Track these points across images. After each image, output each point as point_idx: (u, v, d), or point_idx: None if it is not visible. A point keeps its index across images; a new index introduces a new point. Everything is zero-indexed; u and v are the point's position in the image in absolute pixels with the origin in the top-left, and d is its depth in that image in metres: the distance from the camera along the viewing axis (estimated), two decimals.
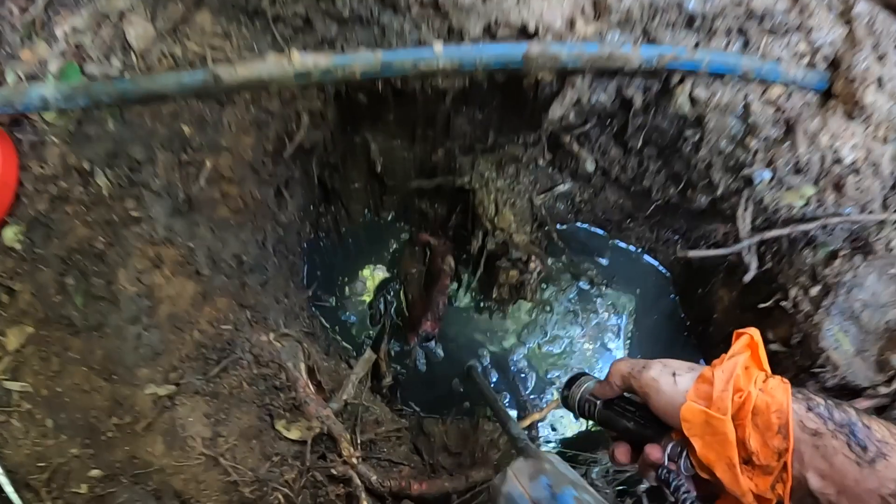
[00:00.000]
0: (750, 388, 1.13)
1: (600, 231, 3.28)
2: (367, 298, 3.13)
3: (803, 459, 1.05)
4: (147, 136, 2.31)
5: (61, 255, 2.30)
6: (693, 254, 2.67)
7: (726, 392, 1.13)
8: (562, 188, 3.01)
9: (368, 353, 2.48)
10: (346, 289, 3.15)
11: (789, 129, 2.37)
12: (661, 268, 3.30)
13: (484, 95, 2.54)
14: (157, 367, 2.22)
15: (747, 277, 2.63)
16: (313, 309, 3.07)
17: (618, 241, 3.29)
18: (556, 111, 2.36)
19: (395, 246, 3.20)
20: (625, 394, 1.37)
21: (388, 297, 3.11)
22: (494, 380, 3.11)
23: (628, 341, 3.26)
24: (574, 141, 2.76)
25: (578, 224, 3.26)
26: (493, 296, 2.99)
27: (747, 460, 1.11)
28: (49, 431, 2.24)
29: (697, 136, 2.56)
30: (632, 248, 3.30)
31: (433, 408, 3.00)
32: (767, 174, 2.49)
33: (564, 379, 1.57)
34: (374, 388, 2.84)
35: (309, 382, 2.29)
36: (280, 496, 2.11)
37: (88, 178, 2.30)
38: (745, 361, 1.21)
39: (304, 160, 2.64)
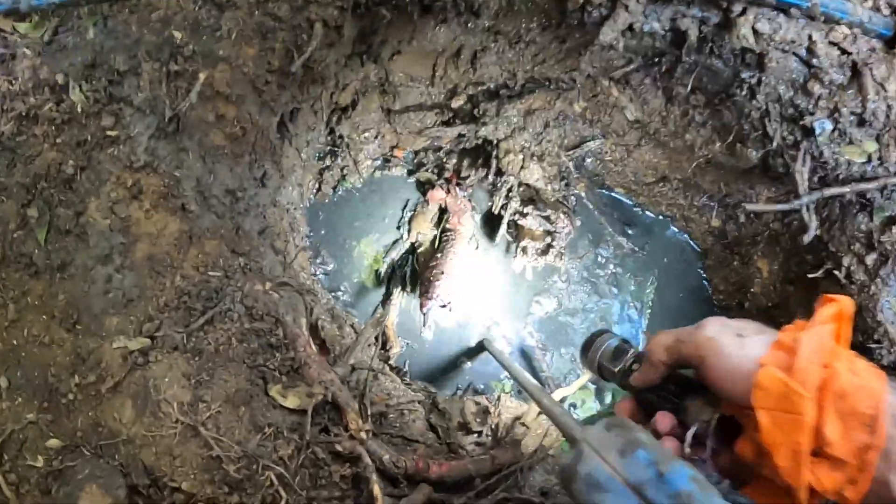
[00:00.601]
0: (837, 366, 0.93)
1: (627, 200, 2.85)
2: (375, 263, 2.69)
3: (891, 461, 0.86)
4: (132, 44, 1.87)
5: (25, 184, 1.88)
6: (752, 207, 2.27)
7: (813, 365, 0.92)
8: (592, 144, 2.59)
9: (379, 315, 2.03)
10: (353, 251, 2.70)
11: (855, 73, 2.07)
12: (688, 240, 2.88)
13: (521, 21, 2.11)
14: (130, 317, 1.78)
15: (807, 238, 2.26)
16: (315, 272, 2.62)
17: (645, 209, 2.86)
18: (607, 34, 1.96)
19: (407, 204, 2.76)
20: None
21: (398, 261, 2.67)
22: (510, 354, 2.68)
23: (648, 317, 2.83)
24: (614, 86, 2.34)
25: (603, 191, 2.83)
26: (516, 257, 2.55)
27: (816, 451, 0.91)
28: (2, 392, 1.79)
29: (755, 79, 2.17)
30: (660, 217, 2.87)
31: (445, 383, 2.56)
32: (829, 125, 2.15)
33: (582, 341, 1.33)
34: (382, 359, 2.40)
35: (311, 341, 1.84)
36: (273, 476, 1.66)
37: (62, 93, 1.89)
38: (832, 332, 1.00)
39: (314, 91, 2.19)
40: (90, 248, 1.79)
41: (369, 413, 1.81)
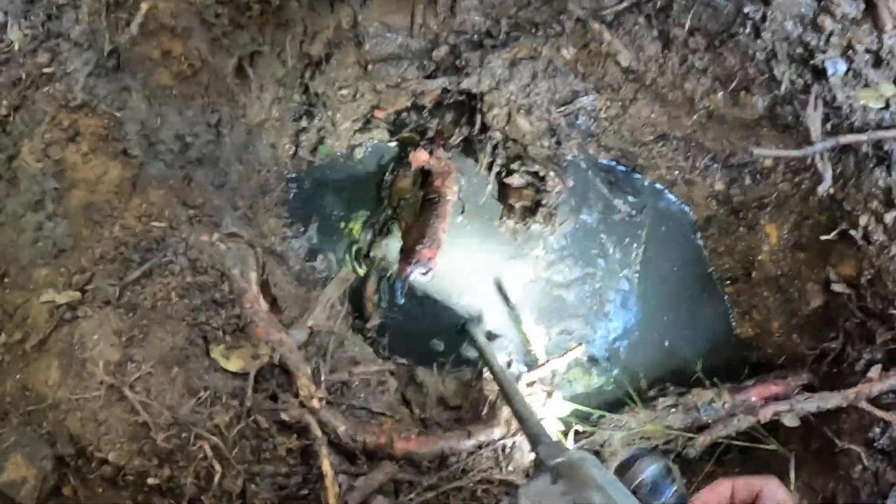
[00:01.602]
0: None
1: (620, 166, 2.59)
2: (354, 227, 2.47)
3: None
4: None
5: None
6: (759, 151, 2.04)
7: None
8: (585, 100, 2.35)
9: (344, 272, 1.81)
10: (330, 216, 2.48)
11: (870, 5, 1.87)
12: (686, 209, 2.61)
13: None
14: (60, 268, 1.58)
15: (822, 189, 2.04)
16: (287, 234, 2.40)
17: (642, 172, 2.60)
18: None
19: (388, 166, 2.53)
20: None
21: (378, 226, 2.45)
22: (494, 333, 2.44)
23: (640, 290, 2.57)
24: (605, 29, 2.09)
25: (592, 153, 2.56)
26: (503, 217, 2.31)
27: None
28: None
29: (760, 14, 1.93)
30: (657, 183, 2.61)
31: (425, 357, 2.32)
32: (842, 65, 1.91)
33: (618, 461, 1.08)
34: (357, 329, 2.17)
35: (260, 297, 1.62)
36: (206, 446, 1.44)
37: (1, 33, 1.68)
38: None
39: (276, 34, 1.97)
40: (21, 194, 1.59)
41: (323, 378, 1.59)
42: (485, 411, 1.88)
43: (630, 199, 2.53)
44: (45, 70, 1.65)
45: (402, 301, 2.26)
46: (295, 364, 1.53)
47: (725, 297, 2.62)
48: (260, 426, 1.50)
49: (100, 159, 1.64)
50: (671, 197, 2.62)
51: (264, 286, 1.66)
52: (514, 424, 1.86)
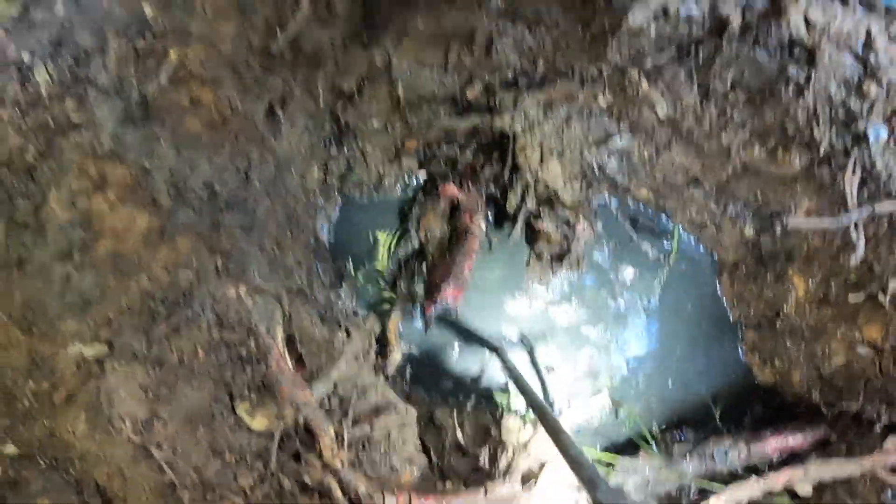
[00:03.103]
0: None
1: (648, 209, 2.54)
2: (381, 260, 2.45)
3: None
4: (100, 19, 1.63)
5: None
6: (795, 222, 2.00)
7: None
8: (619, 142, 2.30)
9: (371, 323, 1.80)
10: (357, 246, 2.46)
11: None
12: (708, 254, 2.55)
13: (539, 4, 1.83)
14: (87, 320, 1.57)
15: (855, 259, 1.99)
16: (316, 267, 2.39)
17: (670, 216, 2.54)
18: (637, 17, 1.69)
19: (416, 199, 2.51)
20: None
21: (404, 259, 2.43)
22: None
23: (656, 332, 2.54)
24: (644, 78, 2.04)
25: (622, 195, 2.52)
26: (530, 262, 2.28)
27: None
28: None
29: (804, 76, 1.87)
30: (684, 225, 2.55)
31: (447, 392, 2.31)
32: (885, 132, 1.88)
33: None
34: (378, 368, 2.16)
35: (286, 355, 1.61)
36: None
37: (28, 73, 1.65)
38: None
39: (308, 74, 1.95)
40: (48, 244, 1.59)
41: (346, 438, 1.57)
42: (503, 464, 1.87)
43: (656, 242, 2.48)
44: (73, 116, 1.64)
45: (429, 337, 2.25)
46: (318, 425, 1.52)
47: (741, 343, 2.59)
48: (283, 487, 1.50)
49: (127, 208, 1.63)
50: (694, 241, 2.57)
51: (290, 343, 1.65)
52: (533, 479, 1.85)
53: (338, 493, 1.48)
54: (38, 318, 1.57)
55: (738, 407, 2.52)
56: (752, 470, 2.28)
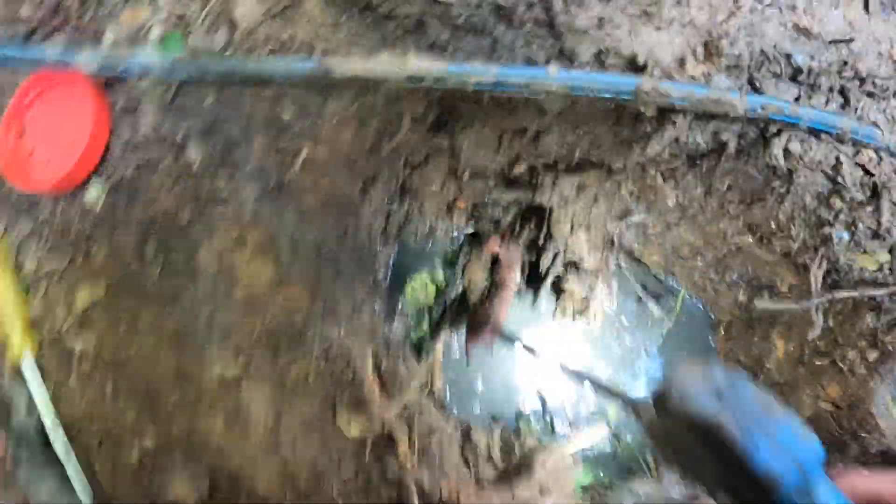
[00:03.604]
0: None
1: (659, 272, 3.08)
2: (427, 302, 2.98)
3: None
4: (245, 116, 2.17)
5: (143, 223, 2.18)
6: (762, 305, 2.51)
7: None
8: (636, 218, 2.83)
9: (433, 357, 2.33)
10: (408, 289, 2.99)
11: (875, 194, 2.30)
12: (706, 311, 3.09)
13: (580, 118, 2.36)
14: (227, 348, 2.09)
15: (811, 335, 2.49)
16: (376, 307, 2.92)
17: (677, 280, 3.08)
18: (654, 148, 2.22)
19: (462, 251, 3.04)
20: None
21: (449, 303, 2.96)
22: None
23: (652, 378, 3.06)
24: (659, 175, 2.58)
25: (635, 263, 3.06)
26: (556, 314, 2.82)
27: None
28: (108, 395, 2.14)
29: (784, 189, 2.40)
30: (688, 289, 3.09)
31: (481, 415, 2.84)
32: (846, 235, 2.38)
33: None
34: (428, 396, 2.70)
35: (375, 381, 2.15)
36: (334, 490, 1.98)
37: (179, 150, 2.18)
38: None
39: (392, 159, 2.49)
40: (198, 287, 2.12)
41: (417, 446, 2.12)
42: (525, 476, 2.40)
43: (661, 301, 3.02)
44: (222, 193, 2.16)
45: (469, 370, 2.79)
46: (398, 434, 2.05)
47: None
48: (371, 480, 2.03)
49: (258, 262, 2.17)
50: (695, 300, 3.10)
51: (377, 371, 2.19)
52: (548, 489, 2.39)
53: (411, 486, 2.01)
54: (187, 344, 2.09)
55: None
56: None
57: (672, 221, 2.82)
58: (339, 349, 2.15)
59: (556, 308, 2.83)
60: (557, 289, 2.82)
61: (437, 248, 3.08)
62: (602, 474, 2.70)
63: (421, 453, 2.19)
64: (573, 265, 2.74)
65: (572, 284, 2.73)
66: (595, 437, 2.64)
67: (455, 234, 3.07)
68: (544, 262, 2.75)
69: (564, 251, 2.73)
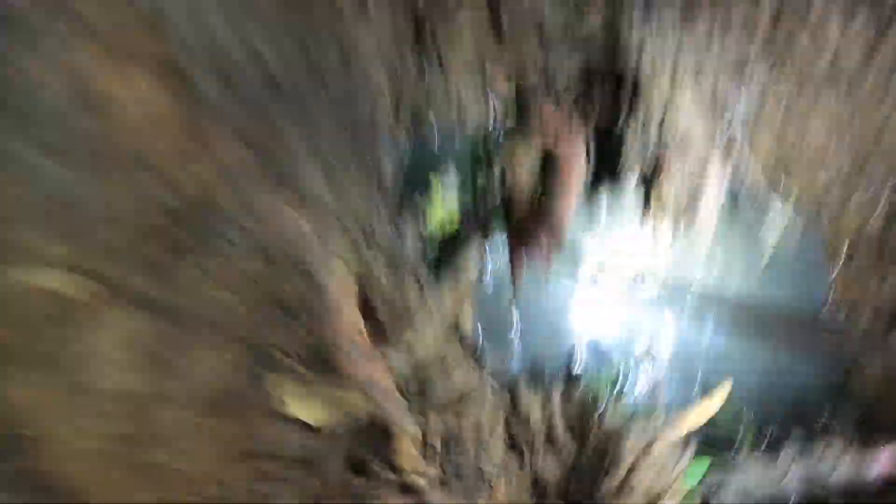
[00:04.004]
0: None
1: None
2: (450, 213, 1.76)
3: None
4: None
5: None
6: None
7: None
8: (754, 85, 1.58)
9: (461, 283, 1.09)
10: (424, 188, 1.78)
11: None
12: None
13: None
14: (68, 241, 0.88)
15: None
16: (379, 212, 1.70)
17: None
18: None
19: (500, 140, 1.82)
20: None
21: (483, 199, 1.75)
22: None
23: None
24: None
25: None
26: (647, 217, 1.58)
27: None
28: None
29: None
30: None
31: (528, 368, 1.64)
32: None
33: None
34: (455, 338, 1.49)
35: (356, 311, 0.92)
36: None
37: None
38: None
39: None
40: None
41: (433, 441, 0.90)
42: (616, 477, 1.19)
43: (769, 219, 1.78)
44: None
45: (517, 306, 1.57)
46: (399, 421, 0.84)
47: None
48: None
49: (143, 81, 0.94)
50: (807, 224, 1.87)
51: (363, 293, 0.97)
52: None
53: None
54: None
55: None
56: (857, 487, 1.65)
57: (803, 96, 1.58)
58: (289, 242, 0.91)
59: (645, 210, 1.58)
60: (647, 181, 1.58)
61: (465, 147, 1.83)
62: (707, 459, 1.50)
63: (444, 450, 0.97)
64: (673, 143, 1.49)
65: (672, 173, 1.48)
66: (716, 405, 1.41)
67: (492, 124, 1.82)
68: (630, 139, 1.50)
69: (661, 122, 1.48)
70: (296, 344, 0.92)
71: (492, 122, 1.94)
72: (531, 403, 1.43)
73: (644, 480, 1.21)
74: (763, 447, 1.78)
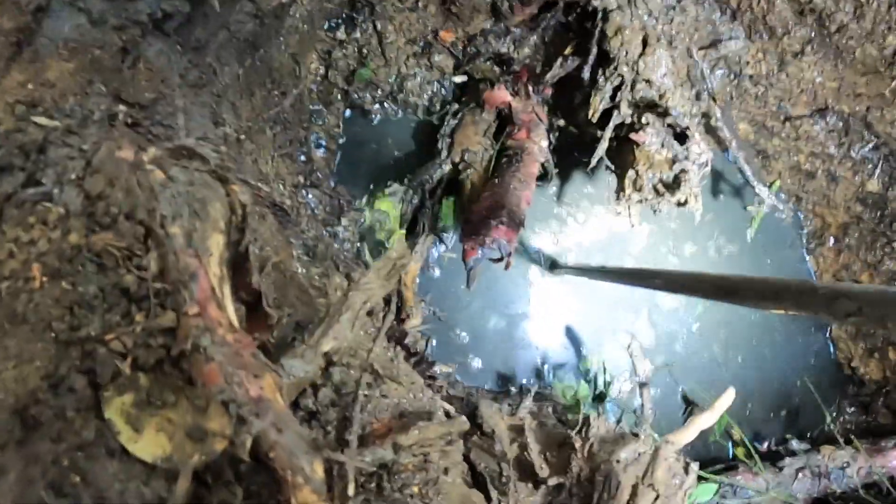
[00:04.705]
0: None
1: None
2: (394, 187, 1.47)
3: None
4: None
5: None
6: None
7: None
8: (732, 45, 1.36)
9: (398, 250, 0.80)
10: (366, 166, 1.48)
11: None
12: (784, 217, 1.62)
13: None
14: None
15: None
16: (305, 194, 1.40)
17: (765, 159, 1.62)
18: None
19: (450, 108, 1.54)
20: None
21: (430, 187, 1.46)
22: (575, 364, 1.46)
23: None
24: None
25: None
26: (624, 192, 1.31)
27: None
28: None
29: None
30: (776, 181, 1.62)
31: (493, 375, 1.34)
32: None
33: None
34: (393, 336, 1.18)
35: (226, 292, 0.61)
36: None
37: None
38: None
39: None
40: None
41: (350, 489, 0.59)
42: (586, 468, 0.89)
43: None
44: None
45: (470, 296, 1.27)
46: (288, 458, 0.53)
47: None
48: None
49: None
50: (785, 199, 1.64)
51: (239, 269, 0.66)
52: None
53: None
54: None
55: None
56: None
57: (792, 49, 1.36)
58: (131, 197, 0.60)
59: (624, 183, 1.31)
60: (622, 152, 1.32)
61: (410, 118, 1.54)
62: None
63: (375, 486, 0.67)
64: (650, 108, 1.24)
65: (651, 137, 1.22)
66: (717, 415, 1.13)
67: (437, 85, 1.54)
68: (595, 103, 1.24)
69: (633, 83, 1.23)
70: (136, 339, 0.60)
71: (441, 102, 1.68)
72: (491, 415, 1.14)
73: (645, 502, 0.91)
74: (764, 456, 1.54)
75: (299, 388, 0.65)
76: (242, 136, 1.07)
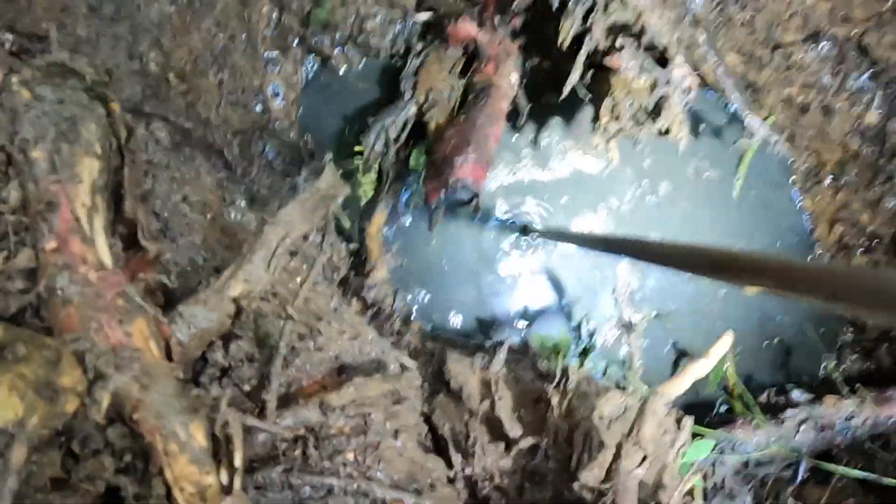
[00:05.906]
0: None
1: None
2: (356, 128, 1.35)
3: None
4: None
5: None
6: None
7: None
8: None
9: (327, 180, 0.69)
10: (323, 111, 1.36)
11: None
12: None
13: None
14: None
15: None
16: (262, 148, 1.28)
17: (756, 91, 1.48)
18: None
19: (413, 45, 1.41)
20: None
21: (395, 129, 1.34)
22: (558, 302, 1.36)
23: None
24: None
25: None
26: (602, 125, 1.19)
27: None
28: None
29: None
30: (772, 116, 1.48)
31: (460, 330, 1.25)
32: None
33: None
34: (352, 289, 1.08)
35: (96, 222, 0.49)
36: None
37: None
38: None
39: None
40: None
41: (237, 456, 0.48)
42: (593, 470, 0.80)
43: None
44: None
45: (433, 239, 1.17)
46: (155, 419, 0.43)
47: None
48: None
49: None
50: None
51: (118, 199, 0.55)
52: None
53: None
54: None
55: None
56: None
57: None
58: None
59: (601, 112, 1.19)
60: (598, 80, 1.20)
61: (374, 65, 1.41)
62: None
63: (299, 454, 0.57)
64: (625, 29, 1.12)
65: (628, 61, 1.10)
66: (712, 362, 1.02)
67: (399, 26, 1.41)
68: (567, 28, 1.12)
69: (606, 2, 1.10)
70: None
71: (405, 43, 1.54)
72: (460, 369, 1.03)
73: (632, 463, 0.82)
74: (764, 408, 1.45)
75: (204, 339, 0.55)
76: (171, 76, 0.96)
